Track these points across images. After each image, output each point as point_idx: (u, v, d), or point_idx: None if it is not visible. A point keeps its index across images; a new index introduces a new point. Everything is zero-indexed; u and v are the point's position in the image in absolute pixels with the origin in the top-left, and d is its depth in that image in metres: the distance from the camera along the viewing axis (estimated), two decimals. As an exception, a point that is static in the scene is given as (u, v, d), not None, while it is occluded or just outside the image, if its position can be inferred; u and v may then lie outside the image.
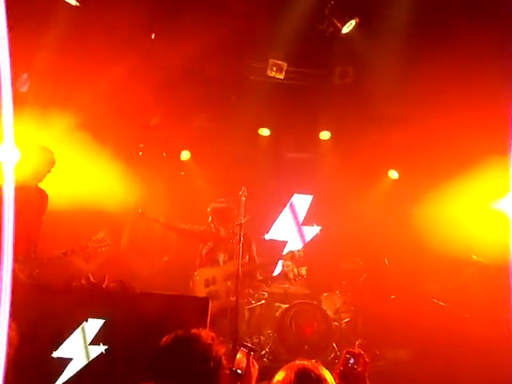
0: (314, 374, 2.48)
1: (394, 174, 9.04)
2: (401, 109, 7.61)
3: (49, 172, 5.38)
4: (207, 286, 6.24)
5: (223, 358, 2.55)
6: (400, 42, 6.72)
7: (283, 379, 2.49)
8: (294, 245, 7.08)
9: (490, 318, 6.20)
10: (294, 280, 6.97)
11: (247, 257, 6.74)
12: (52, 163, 5.38)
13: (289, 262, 6.83)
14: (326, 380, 2.49)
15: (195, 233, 6.82)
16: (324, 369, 2.59)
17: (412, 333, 6.33)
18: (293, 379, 2.46)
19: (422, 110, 7.33)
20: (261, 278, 6.83)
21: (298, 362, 2.59)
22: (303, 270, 6.72)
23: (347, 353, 2.93)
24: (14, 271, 2.00)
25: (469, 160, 7.33)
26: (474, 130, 7.04)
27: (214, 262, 6.58)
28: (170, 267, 8.02)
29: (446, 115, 7.18)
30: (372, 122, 8.14)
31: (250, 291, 7.04)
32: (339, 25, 6.67)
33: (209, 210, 6.86)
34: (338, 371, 2.84)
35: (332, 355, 6.99)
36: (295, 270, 6.66)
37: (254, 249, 6.86)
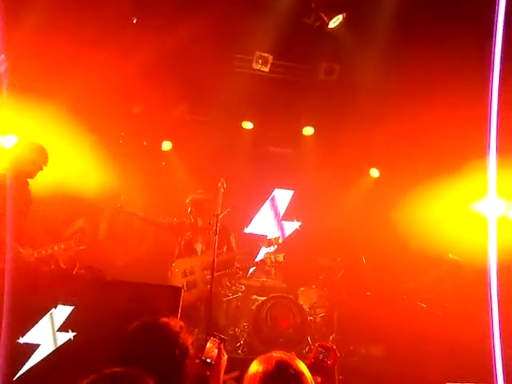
0: (293, 367, 2.46)
1: (375, 173, 9.10)
2: (384, 108, 7.65)
3: (41, 170, 5.42)
4: (185, 276, 6.24)
5: (190, 347, 2.54)
6: (386, 41, 6.74)
7: (263, 371, 2.46)
8: (272, 233, 7.12)
9: (463, 316, 6.28)
10: (272, 267, 6.98)
11: (225, 248, 6.74)
12: (46, 163, 5.43)
13: (266, 249, 6.86)
14: (303, 373, 2.47)
15: (173, 226, 6.82)
16: (300, 361, 2.57)
17: (386, 329, 6.39)
18: (272, 371, 2.43)
19: (405, 110, 7.37)
20: (238, 266, 6.83)
21: (275, 353, 2.57)
22: (280, 257, 6.73)
23: (319, 346, 2.94)
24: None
25: (449, 160, 7.41)
26: (455, 130, 7.10)
27: (192, 253, 6.59)
28: (149, 257, 7.99)
29: (428, 115, 7.23)
30: (355, 119, 8.17)
31: (228, 283, 7.04)
32: (326, 19, 6.65)
33: (187, 200, 6.85)
34: (308, 362, 2.84)
35: (306, 349, 7.03)
36: (272, 256, 6.68)
37: (233, 240, 6.87)
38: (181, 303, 3.63)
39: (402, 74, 7.02)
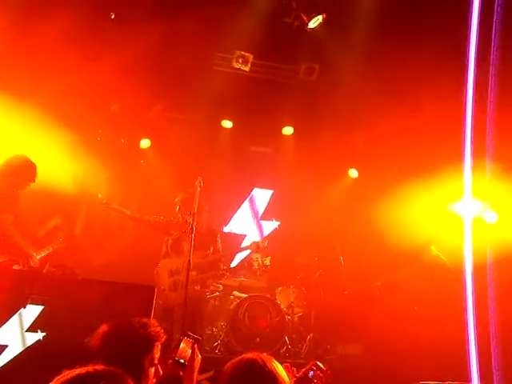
0: (267, 367, 2.43)
1: (353, 173, 9.14)
2: (364, 108, 7.69)
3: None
4: (171, 275, 6.17)
5: (156, 346, 2.52)
6: (365, 42, 6.78)
7: (231, 371, 2.44)
8: (257, 236, 7.09)
9: (440, 313, 6.34)
10: (259, 270, 6.98)
11: (212, 248, 6.70)
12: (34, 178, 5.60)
13: (254, 254, 6.84)
14: (277, 374, 2.44)
15: (159, 224, 6.75)
16: (276, 362, 2.55)
17: (362, 328, 6.43)
18: (242, 371, 2.41)
19: (384, 111, 7.42)
20: (225, 268, 6.79)
21: (249, 354, 2.54)
22: (267, 260, 6.74)
23: (314, 364, 2.93)
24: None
25: (427, 162, 7.47)
26: (433, 132, 7.17)
27: (179, 252, 6.44)
28: (128, 256, 7.88)
29: (407, 117, 7.30)
30: (335, 119, 8.21)
31: (212, 285, 7.02)
32: (306, 19, 6.67)
33: (177, 199, 6.74)
34: (296, 375, 2.84)
35: (284, 348, 7.04)
36: (259, 260, 6.67)
37: (220, 241, 6.82)
38: (154, 302, 3.60)
39: (382, 75, 7.07)
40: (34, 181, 5.59)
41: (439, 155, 7.00)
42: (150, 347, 2.48)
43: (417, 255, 7.23)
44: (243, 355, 2.53)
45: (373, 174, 8.72)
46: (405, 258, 7.33)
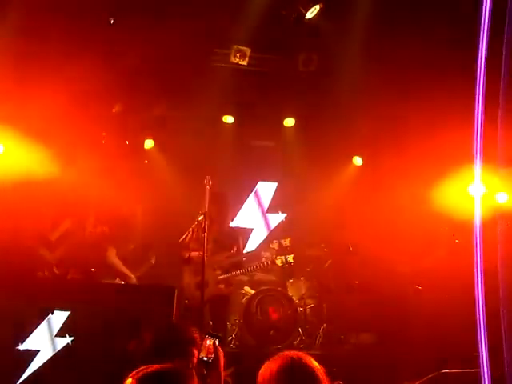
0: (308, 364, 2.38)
1: (358, 161, 9.13)
2: (364, 95, 7.66)
3: None
4: (196, 275, 6.20)
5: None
6: (364, 29, 6.75)
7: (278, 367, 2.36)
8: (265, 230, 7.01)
9: (455, 300, 6.35)
10: (283, 268, 7.01)
11: (235, 248, 6.74)
12: None
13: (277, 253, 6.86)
14: (317, 368, 2.39)
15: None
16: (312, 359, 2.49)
17: (375, 316, 6.45)
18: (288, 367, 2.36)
19: (385, 98, 7.39)
20: (254, 266, 6.80)
21: (286, 352, 2.48)
22: (290, 258, 6.75)
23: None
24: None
25: (432, 146, 7.46)
26: (437, 117, 7.16)
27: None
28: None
29: (408, 102, 7.28)
30: (336, 109, 8.19)
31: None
32: (303, 10, 6.66)
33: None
34: None
35: (298, 340, 7.10)
36: (283, 257, 6.69)
37: (241, 241, 6.82)
38: (175, 303, 3.62)
39: (382, 61, 7.05)
40: None
41: (445, 138, 6.99)
42: (190, 351, 2.47)
43: (434, 248, 7.25)
44: (280, 354, 2.47)
45: (377, 160, 8.71)
46: (425, 246, 7.34)
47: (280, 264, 6.64)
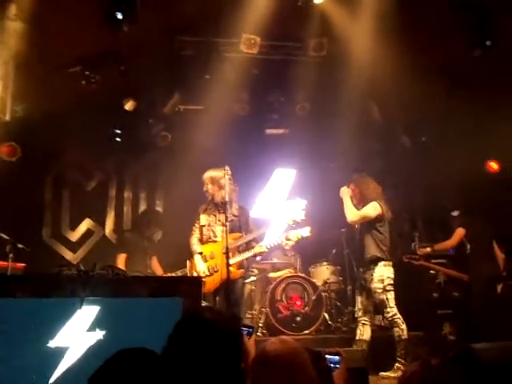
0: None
1: (373, 143, 9.06)
2: (378, 77, 7.56)
3: None
4: (205, 261, 6.18)
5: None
6: (375, 8, 6.63)
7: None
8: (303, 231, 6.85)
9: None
10: (297, 243, 6.95)
11: (244, 230, 6.61)
12: None
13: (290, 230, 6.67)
14: None
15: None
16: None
17: (401, 295, 6.38)
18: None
19: (400, 76, 7.28)
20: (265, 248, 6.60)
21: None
22: (306, 231, 6.59)
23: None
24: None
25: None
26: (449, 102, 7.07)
27: (210, 238, 6.36)
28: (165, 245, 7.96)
29: (423, 79, 7.15)
30: (350, 92, 8.08)
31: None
32: (311, -5, 6.59)
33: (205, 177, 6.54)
34: None
35: (324, 325, 7.14)
36: (298, 234, 6.50)
37: (252, 223, 6.66)
38: (202, 293, 3.63)
39: (393, 40, 6.92)
40: None
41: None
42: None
43: None
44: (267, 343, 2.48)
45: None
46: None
47: (296, 239, 6.51)
